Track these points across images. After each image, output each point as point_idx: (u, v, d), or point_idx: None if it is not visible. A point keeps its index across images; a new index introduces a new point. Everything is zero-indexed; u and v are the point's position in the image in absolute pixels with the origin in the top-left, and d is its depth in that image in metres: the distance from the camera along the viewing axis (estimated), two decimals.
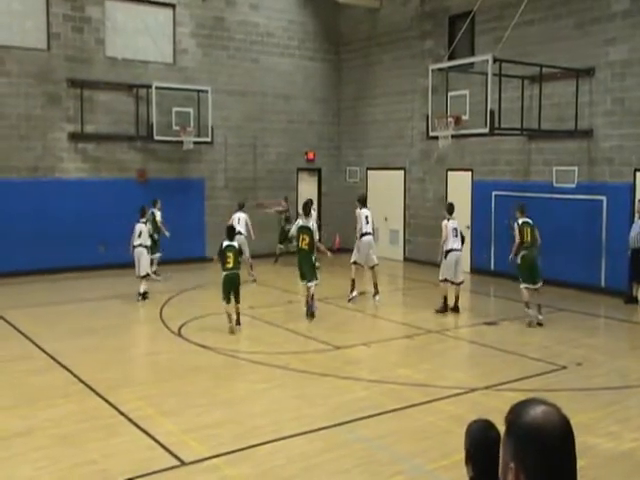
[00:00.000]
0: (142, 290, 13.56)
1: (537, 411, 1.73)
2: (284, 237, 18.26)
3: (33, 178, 16.61)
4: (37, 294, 14.19)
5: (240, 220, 15.57)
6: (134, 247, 13.69)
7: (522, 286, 11.91)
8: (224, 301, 11.13)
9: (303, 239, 12.06)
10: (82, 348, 10.18)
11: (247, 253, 15.44)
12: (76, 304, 13.36)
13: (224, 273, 11.15)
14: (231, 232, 11.68)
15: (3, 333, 11.17)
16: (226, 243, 11.30)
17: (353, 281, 13.69)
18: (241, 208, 16.27)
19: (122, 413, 7.42)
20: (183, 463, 6.17)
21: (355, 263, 13.84)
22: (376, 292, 13.71)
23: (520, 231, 11.88)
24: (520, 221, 12.00)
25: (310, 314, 12.06)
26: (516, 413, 1.76)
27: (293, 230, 12.96)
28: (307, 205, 12.34)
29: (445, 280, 12.71)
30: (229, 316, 11.15)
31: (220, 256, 11.29)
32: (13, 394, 8.09)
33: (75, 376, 8.74)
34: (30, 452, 6.40)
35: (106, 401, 7.80)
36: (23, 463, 6.17)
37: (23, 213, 16.16)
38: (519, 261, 11.93)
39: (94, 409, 7.60)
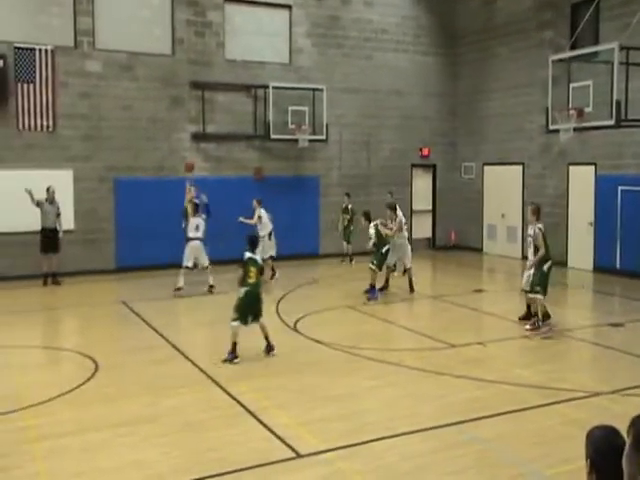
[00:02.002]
0: (211, 282, 14.22)
1: None
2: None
3: (159, 177, 17.47)
4: (160, 288, 14.87)
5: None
6: (191, 239, 14.14)
7: (540, 297, 10.89)
8: (239, 322, 9.38)
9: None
10: (203, 340, 10.62)
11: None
12: (196, 297, 13.92)
13: (245, 289, 9.44)
14: (253, 242, 9.87)
15: (132, 324, 11.84)
16: (249, 255, 9.57)
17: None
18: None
19: (240, 404, 7.67)
20: (299, 455, 6.30)
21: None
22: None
23: (544, 238, 10.82)
24: (541, 226, 10.92)
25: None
26: None
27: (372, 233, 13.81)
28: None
29: None
30: (235, 342, 9.34)
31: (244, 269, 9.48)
32: (140, 382, 8.55)
33: (197, 366, 9.13)
34: (155, 437, 6.76)
35: (226, 392, 8.09)
36: (149, 447, 6.52)
37: (149, 210, 17.03)
38: (547, 270, 10.85)
39: (214, 399, 7.91)
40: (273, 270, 15.78)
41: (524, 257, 18.88)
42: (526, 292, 11.22)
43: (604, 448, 2.93)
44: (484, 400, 7.81)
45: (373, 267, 13.67)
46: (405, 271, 14.32)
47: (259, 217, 15.83)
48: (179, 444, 6.60)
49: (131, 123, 17.17)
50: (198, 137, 17.92)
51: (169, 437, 6.78)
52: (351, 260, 18.23)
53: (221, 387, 8.28)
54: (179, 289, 13.95)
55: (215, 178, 18.10)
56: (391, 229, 13.86)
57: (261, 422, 7.11)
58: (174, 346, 10.21)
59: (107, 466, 6.14)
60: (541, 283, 10.81)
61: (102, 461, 6.23)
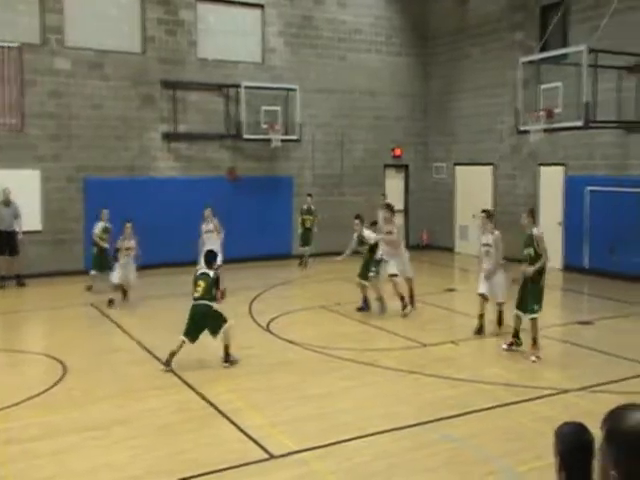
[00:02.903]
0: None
1: (639, 417, 1.67)
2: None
3: (130, 177, 17.30)
4: (130, 289, 14.70)
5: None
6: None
7: (537, 316, 9.36)
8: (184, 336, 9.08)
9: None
10: (174, 342, 10.50)
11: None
12: (168, 299, 13.80)
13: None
14: (209, 257, 9.62)
15: (103, 326, 11.71)
16: (201, 270, 9.49)
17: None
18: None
19: (213, 406, 7.63)
20: (272, 456, 6.28)
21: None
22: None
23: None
24: (541, 230, 9.69)
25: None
26: (616, 419, 1.70)
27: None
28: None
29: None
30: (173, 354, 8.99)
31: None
32: (110, 385, 8.45)
33: (170, 369, 9.04)
34: (127, 440, 6.69)
35: (198, 394, 8.04)
36: (121, 450, 6.45)
37: (119, 211, 16.83)
38: (543, 283, 9.46)
39: (186, 401, 7.86)
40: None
41: None
42: (516, 313, 9.65)
43: (572, 444, 2.99)
44: (456, 398, 7.87)
45: (374, 274, 12.15)
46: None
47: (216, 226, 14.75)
48: (151, 447, 6.55)
49: (101, 122, 16.97)
50: (170, 137, 17.78)
51: (141, 440, 6.72)
52: (306, 264, 17.55)
53: (193, 389, 8.22)
54: None
55: (187, 178, 17.99)
56: (390, 232, 12.14)
57: (234, 423, 7.08)
58: (145, 348, 10.12)
59: (78, 469, 6.06)
60: (540, 301, 9.38)
61: (73, 465, 6.15)
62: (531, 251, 9.39)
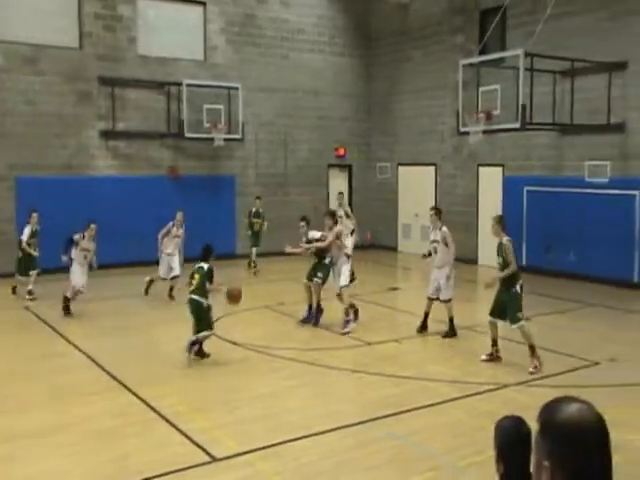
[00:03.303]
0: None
1: (572, 409, 1.72)
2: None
3: (66, 176, 16.85)
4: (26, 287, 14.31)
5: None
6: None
7: (523, 323, 9.12)
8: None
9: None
10: (113, 345, 10.32)
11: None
12: (106, 301, 13.53)
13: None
14: (205, 251, 9.86)
15: (37, 330, 11.38)
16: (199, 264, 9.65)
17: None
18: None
19: (154, 410, 7.50)
20: (215, 459, 6.22)
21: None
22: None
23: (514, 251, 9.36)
24: (509, 238, 9.50)
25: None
26: (550, 411, 1.75)
27: None
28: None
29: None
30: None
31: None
32: (47, 391, 8.21)
33: (108, 373, 8.85)
34: (64, 447, 6.51)
35: (139, 398, 7.89)
36: (59, 457, 6.28)
37: (55, 211, 16.38)
38: (519, 290, 9.25)
39: (127, 406, 7.70)
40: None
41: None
42: (492, 321, 9.40)
43: (510, 437, 3.08)
44: (400, 396, 7.96)
45: (319, 280, 11.31)
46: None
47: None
48: (90, 453, 6.39)
49: (35, 119, 16.47)
50: (108, 135, 17.41)
51: (80, 446, 6.55)
52: (255, 266, 17.13)
53: (134, 393, 8.06)
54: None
55: (126, 177, 17.66)
56: (322, 240, 11.28)
57: (176, 427, 6.98)
58: (83, 352, 9.87)
59: (15, 477, 5.88)
60: (520, 308, 9.22)
61: (9, 473, 5.96)
62: (500, 260, 9.38)
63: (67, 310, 12.22)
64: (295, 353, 9.74)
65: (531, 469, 1.82)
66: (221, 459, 6.21)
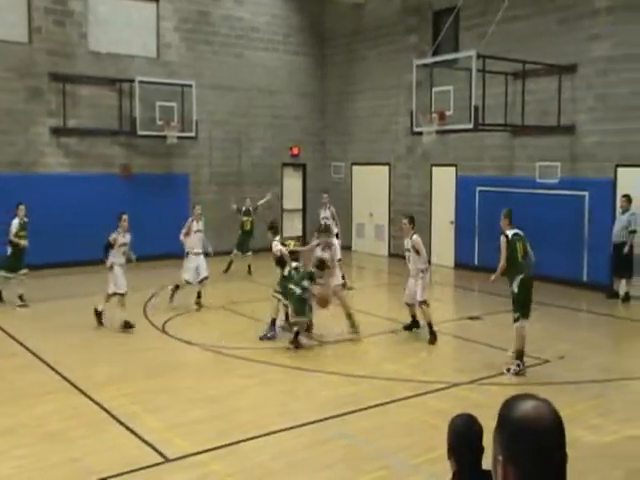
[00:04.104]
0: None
1: (528, 406, 1.76)
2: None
3: (15, 173, 16.44)
4: (13, 291, 14.03)
5: None
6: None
7: (520, 325, 8.82)
8: None
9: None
10: (65, 345, 10.12)
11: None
12: (58, 301, 13.25)
13: None
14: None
15: None
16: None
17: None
18: None
19: (107, 410, 7.39)
20: (167, 460, 6.16)
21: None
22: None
23: (510, 247, 8.94)
24: (510, 233, 9.02)
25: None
26: (508, 407, 1.79)
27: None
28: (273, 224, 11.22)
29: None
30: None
31: None
32: None
33: (59, 374, 8.68)
34: (13, 450, 6.36)
35: (90, 399, 7.76)
36: (5, 461, 6.13)
37: (3, 208, 15.97)
38: (516, 289, 8.89)
39: (79, 407, 7.56)
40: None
41: (391, 254, 19.56)
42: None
43: (462, 434, 3.15)
44: (355, 395, 7.99)
45: (276, 294, 10.64)
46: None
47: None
48: (39, 455, 6.26)
49: None
50: (59, 132, 17.05)
51: (28, 449, 6.40)
52: (250, 271, 16.22)
53: (85, 394, 7.92)
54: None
55: (78, 175, 17.32)
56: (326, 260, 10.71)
57: (128, 428, 6.88)
58: (33, 353, 9.65)
59: None
60: (515, 308, 8.89)
61: None
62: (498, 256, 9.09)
63: (100, 320, 11.01)
64: (250, 352, 9.69)
65: (491, 465, 1.84)
66: (174, 459, 6.15)
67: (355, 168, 20.91)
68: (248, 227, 16.51)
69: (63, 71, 16.95)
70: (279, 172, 21.08)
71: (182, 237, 12.71)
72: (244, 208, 16.66)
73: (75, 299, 13.39)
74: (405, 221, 10.69)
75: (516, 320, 8.87)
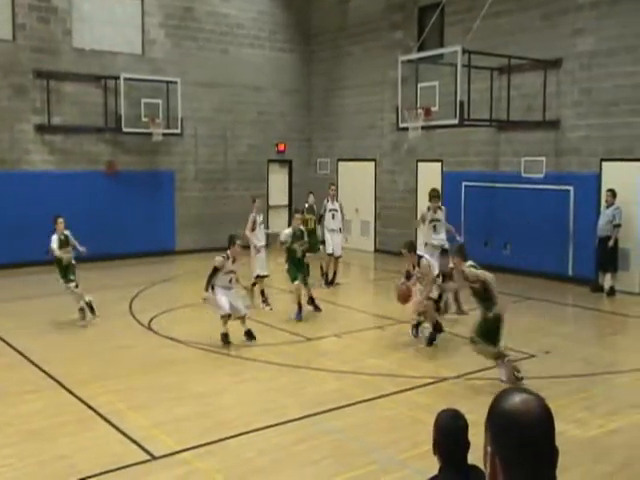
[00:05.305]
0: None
1: (517, 399, 1.77)
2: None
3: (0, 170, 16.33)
4: (1, 289, 13.94)
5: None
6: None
7: (501, 348, 8.07)
8: None
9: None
10: (51, 343, 10.07)
11: None
12: (43, 298, 13.16)
13: None
14: None
15: None
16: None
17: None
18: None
19: (92, 408, 7.35)
20: (153, 457, 6.14)
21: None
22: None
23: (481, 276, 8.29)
24: (470, 263, 8.50)
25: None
26: (498, 400, 1.82)
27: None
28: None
29: None
30: None
31: None
32: None
33: (44, 372, 8.64)
34: None
35: (76, 396, 7.72)
36: None
37: None
38: (492, 316, 8.09)
39: (64, 405, 7.52)
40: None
41: (377, 250, 19.59)
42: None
43: (447, 429, 3.17)
44: (340, 391, 8.00)
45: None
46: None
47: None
48: (24, 454, 6.22)
49: None
50: (43, 129, 16.93)
51: (13, 447, 6.37)
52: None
53: (70, 391, 7.88)
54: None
55: (63, 172, 17.20)
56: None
57: (114, 425, 6.86)
58: (17, 350, 9.59)
59: None
60: (498, 335, 8.11)
61: None
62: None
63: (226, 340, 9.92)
64: (235, 349, 9.68)
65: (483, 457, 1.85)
66: (160, 457, 6.14)
67: (341, 164, 20.91)
68: (312, 225, 14.63)
69: (47, 68, 16.83)
70: (265, 169, 21.04)
71: (248, 232, 12.56)
72: (307, 205, 15.11)
73: (55, 297, 13.28)
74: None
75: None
